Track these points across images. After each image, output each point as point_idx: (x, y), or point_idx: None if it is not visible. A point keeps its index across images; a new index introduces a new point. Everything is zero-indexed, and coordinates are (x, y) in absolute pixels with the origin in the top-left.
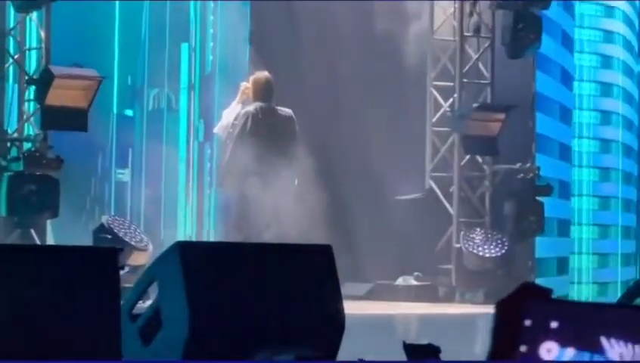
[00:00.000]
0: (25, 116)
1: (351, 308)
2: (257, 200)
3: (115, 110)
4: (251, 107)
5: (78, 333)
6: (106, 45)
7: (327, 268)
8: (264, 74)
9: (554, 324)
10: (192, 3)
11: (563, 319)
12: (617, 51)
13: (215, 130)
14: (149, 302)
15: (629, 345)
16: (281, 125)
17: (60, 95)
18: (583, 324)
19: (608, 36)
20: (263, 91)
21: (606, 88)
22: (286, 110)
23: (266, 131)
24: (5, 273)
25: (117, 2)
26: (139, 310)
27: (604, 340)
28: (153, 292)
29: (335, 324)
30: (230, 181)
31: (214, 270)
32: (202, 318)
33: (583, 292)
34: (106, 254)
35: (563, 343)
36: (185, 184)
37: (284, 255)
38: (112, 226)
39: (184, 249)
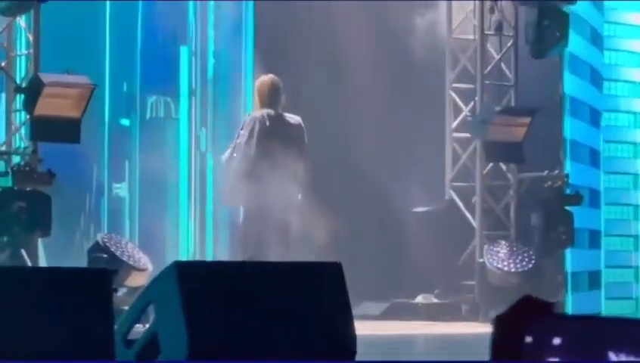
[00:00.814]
0: (13, 128)
1: (366, 328)
2: (264, 215)
3: (110, 119)
4: (258, 113)
5: (68, 359)
6: (98, 50)
7: (336, 287)
8: (269, 78)
9: (556, 341)
10: (191, 3)
11: (566, 335)
12: None
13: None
14: (147, 326)
15: None
16: (290, 134)
17: (51, 104)
18: (589, 339)
19: None
20: (270, 97)
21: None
22: (295, 118)
23: (274, 140)
24: None
25: (108, 3)
26: (136, 335)
27: (612, 355)
28: (152, 314)
29: (345, 346)
30: (235, 197)
31: (214, 291)
32: (202, 342)
33: (618, 308)
34: (98, 275)
35: (567, 361)
36: (187, 198)
37: (289, 273)
38: (108, 244)
39: (182, 269)
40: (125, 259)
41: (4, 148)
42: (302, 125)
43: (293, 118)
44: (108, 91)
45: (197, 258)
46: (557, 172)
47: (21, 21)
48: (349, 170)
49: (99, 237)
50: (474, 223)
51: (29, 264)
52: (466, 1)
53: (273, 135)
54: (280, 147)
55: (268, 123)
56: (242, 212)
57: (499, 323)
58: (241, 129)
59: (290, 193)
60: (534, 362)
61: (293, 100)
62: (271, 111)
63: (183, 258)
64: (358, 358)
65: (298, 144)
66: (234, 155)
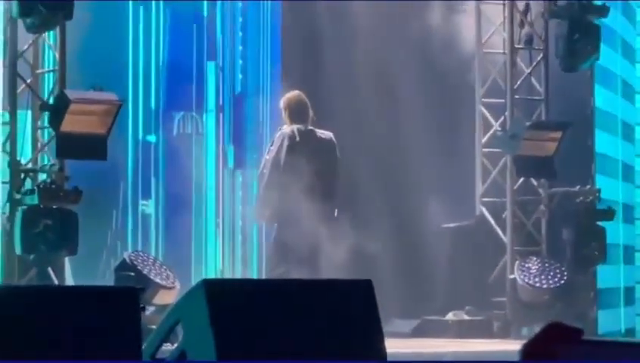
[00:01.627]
0: (39, 145)
1: (397, 346)
2: (296, 233)
3: (136, 136)
4: (287, 129)
5: None
6: (124, 66)
7: (367, 304)
8: (295, 93)
9: None
10: (219, 19)
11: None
12: None
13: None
14: (175, 345)
15: None
16: (321, 150)
17: (77, 121)
18: None
19: None
20: (298, 113)
21: None
22: (326, 133)
23: (305, 156)
24: (22, 316)
25: (132, 18)
26: (164, 354)
27: None
28: (180, 333)
29: None
30: (267, 213)
31: (243, 309)
32: (231, 361)
33: None
34: (126, 294)
35: None
36: (214, 216)
37: (319, 291)
38: (135, 262)
39: (211, 287)
40: (152, 277)
41: (30, 166)
42: (334, 140)
43: (324, 133)
44: (132, 107)
45: (226, 276)
46: (588, 186)
47: (47, 38)
48: (377, 185)
49: (126, 255)
50: (505, 239)
51: (56, 282)
52: (495, 14)
53: (303, 151)
54: (311, 162)
55: (298, 139)
56: (274, 229)
57: (526, 351)
58: (271, 145)
59: (323, 210)
60: None
61: (320, 114)
62: (301, 126)
63: (211, 276)
64: None
65: (330, 160)
66: (264, 171)
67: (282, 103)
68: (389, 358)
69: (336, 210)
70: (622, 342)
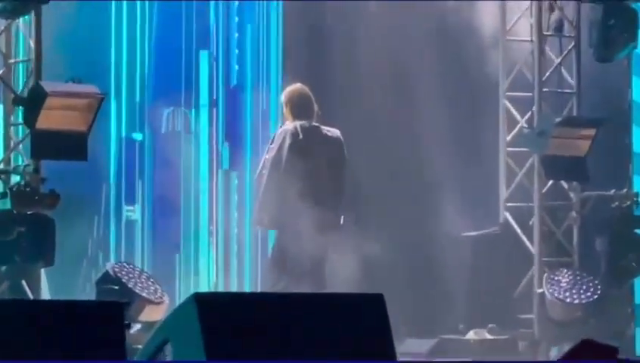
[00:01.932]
0: (12, 143)
1: None
2: (297, 242)
3: (120, 134)
4: (289, 126)
5: None
6: (106, 56)
7: (378, 322)
8: (298, 86)
9: None
10: (212, 3)
11: None
12: None
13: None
14: None
15: None
16: (327, 148)
17: (54, 117)
18: None
19: None
20: (301, 108)
21: None
22: (332, 130)
23: (309, 155)
24: None
25: (116, 3)
26: None
27: None
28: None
29: None
30: (266, 219)
31: (240, 327)
32: None
33: None
34: (109, 309)
35: None
36: (207, 222)
37: (324, 306)
38: (119, 275)
39: (204, 302)
40: (138, 290)
41: (2, 166)
42: (342, 138)
43: (330, 131)
44: (114, 101)
45: (220, 289)
46: (625, 190)
47: (20, 25)
48: (388, 189)
49: (109, 267)
50: (532, 249)
51: (31, 297)
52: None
53: (307, 150)
54: (316, 163)
55: (301, 136)
56: (275, 237)
57: None
58: (271, 143)
59: (328, 217)
60: None
61: (325, 110)
62: (305, 123)
63: (204, 289)
64: None
65: (337, 160)
66: (263, 172)
67: (283, 96)
68: None
69: (342, 217)
70: None
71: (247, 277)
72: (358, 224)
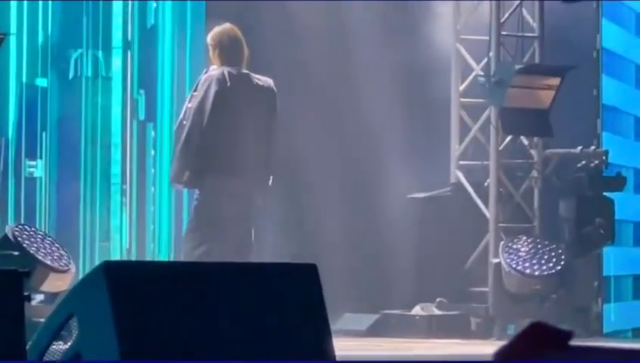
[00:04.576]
0: None
1: (348, 347)
2: (221, 203)
3: (20, 79)
4: (216, 71)
5: None
6: None
7: (309, 295)
8: (227, 27)
9: None
10: None
11: None
12: None
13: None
14: (68, 345)
15: None
16: (258, 99)
17: None
18: None
19: None
20: (230, 51)
21: None
22: (264, 79)
23: (236, 105)
24: None
25: None
26: (54, 354)
27: None
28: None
29: None
30: (185, 176)
31: (155, 299)
32: None
33: None
34: (7, 278)
35: None
36: (120, 181)
37: (249, 276)
38: (20, 239)
39: (114, 271)
40: (41, 257)
41: None
42: (274, 88)
43: (262, 79)
44: (15, 42)
45: (134, 257)
46: (593, 148)
47: None
48: (323, 144)
49: (8, 230)
50: (487, 213)
51: None
52: None
53: (235, 99)
54: (244, 114)
55: (229, 84)
56: (195, 198)
57: (500, 358)
58: (194, 91)
59: (256, 176)
60: None
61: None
62: (233, 69)
63: (115, 257)
64: None
65: (268, 113)
66: (184, 123)
67: (210, 38)
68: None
69: (271, 177)
70: (620, 349)
71: (165, 244)
72: (275, 184)
